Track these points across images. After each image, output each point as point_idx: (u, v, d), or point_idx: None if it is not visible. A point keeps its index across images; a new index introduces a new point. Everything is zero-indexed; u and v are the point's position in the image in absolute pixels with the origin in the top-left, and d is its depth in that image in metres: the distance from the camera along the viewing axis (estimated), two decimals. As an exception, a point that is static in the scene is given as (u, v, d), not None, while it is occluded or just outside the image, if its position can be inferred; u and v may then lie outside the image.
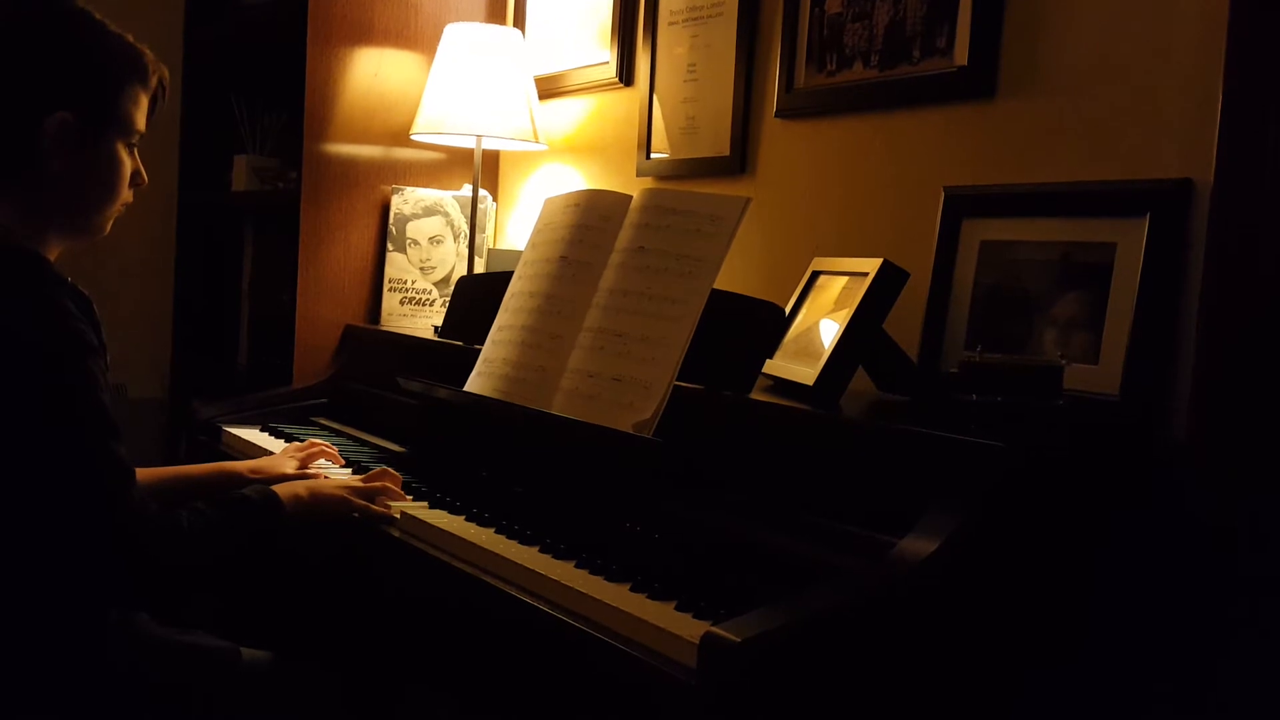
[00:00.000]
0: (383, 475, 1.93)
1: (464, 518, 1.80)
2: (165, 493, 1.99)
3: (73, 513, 1.48)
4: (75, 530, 1.48)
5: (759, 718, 1.18)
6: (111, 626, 1.61)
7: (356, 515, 1.84)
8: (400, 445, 2.37)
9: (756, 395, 1.77)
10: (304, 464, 2.15)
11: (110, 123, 1.63)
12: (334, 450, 2.23)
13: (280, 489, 1.75)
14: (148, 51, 1.68)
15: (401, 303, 3.02)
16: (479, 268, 2.94)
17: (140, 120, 1.67)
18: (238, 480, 2.06)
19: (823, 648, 1.23)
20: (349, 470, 2.18)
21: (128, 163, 1.67)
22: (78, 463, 1.48)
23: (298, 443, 2.26)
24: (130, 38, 1.66)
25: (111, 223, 1.70)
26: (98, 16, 1.64)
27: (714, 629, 1.20)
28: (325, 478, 2.11)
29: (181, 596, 1.66)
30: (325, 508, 1.81)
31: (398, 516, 1.84)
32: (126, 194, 1.69)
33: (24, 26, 1.60)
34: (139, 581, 1.52)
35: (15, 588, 1.51)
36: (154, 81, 1.68)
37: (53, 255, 1.62)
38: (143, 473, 1.59)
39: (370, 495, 1.87)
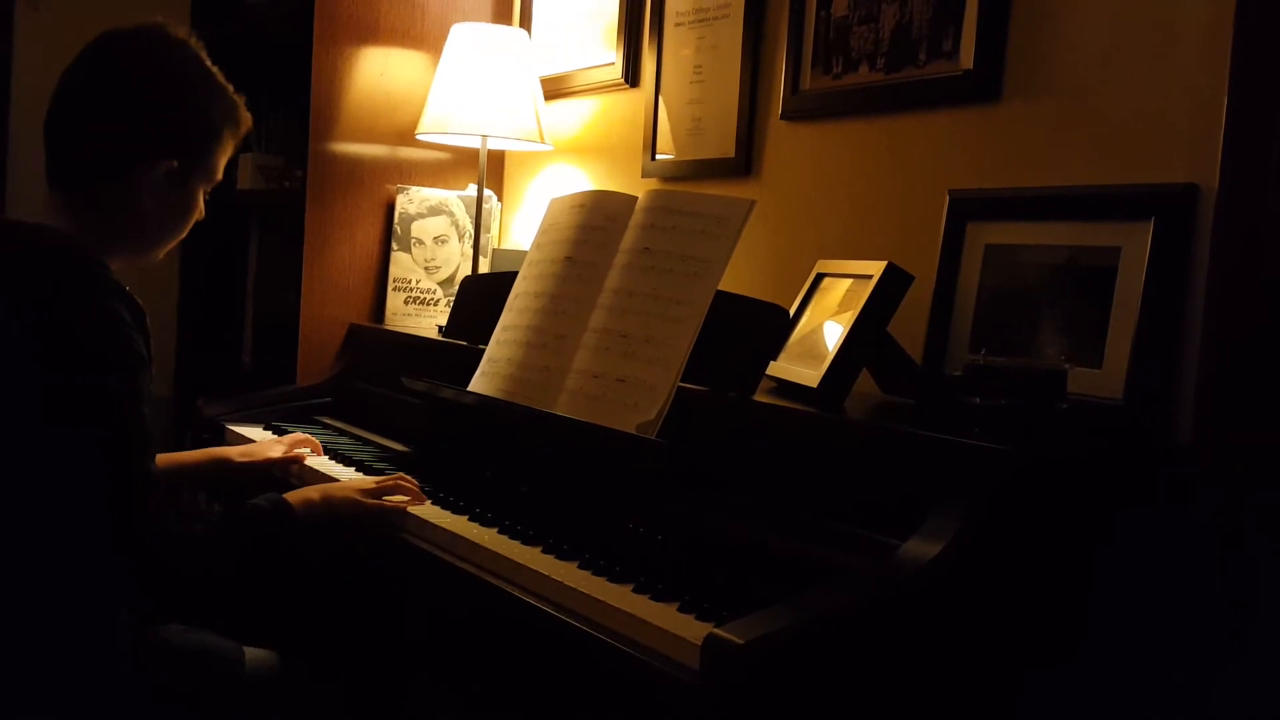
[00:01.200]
0: (397, 481, 1.92)
1: (467, 518, 1.80)
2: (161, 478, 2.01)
3: (97, 518, 1.49)
4: (97, 535, 1.49)
5: (761, 718, 1.18)
6: (122, 625, 1.61)
7: (367, 517, 1.84)
8: (404, 445, 2.37)
9: (760, 397, 1.78)
10: (289, 449, 2.23)
11: (202, 172, 1.71)
12: (316, 441, 2.30)
13: (291, 495, 1.76)
14: (241, 102, 1.74)
15: (406, 302, 3.03)
16: (484, 268, 2.95)
17: (222, 167, 1.75)
18: (229, 466, 2.14)
19: (826, 649, 1.23)
20: (328, 458, 2.25)
21: (201, 206, 1.74)
22: (110, 470, 1.49)
23: (287, 434, 2.35)
24: (231, 89, 1.73)
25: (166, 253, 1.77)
26: (212, 66, 1.71)
27: (717, 631, 1.20)
28: (306, 461, 2.20)
29: (193, 607, 1.67)
30: (338, 510, 1.81)
31: (409, 513, 1.83)
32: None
33: (158, 72, 1.66)
34: (152, 591, 1.53)
35: (33, 585, 1.52)
36: (242, 130, 1.76)
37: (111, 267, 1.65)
38: None
39: (380, 496, 1.87)
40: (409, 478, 1.93)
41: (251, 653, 1.77)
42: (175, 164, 1.64)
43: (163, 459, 2.03)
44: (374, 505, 1.84)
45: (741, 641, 1.17)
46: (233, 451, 2.20)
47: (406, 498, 1.88)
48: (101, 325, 1.51)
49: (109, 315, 1.52)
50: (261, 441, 2.28)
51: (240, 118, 1.74)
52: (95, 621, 1.58)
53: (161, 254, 1.76)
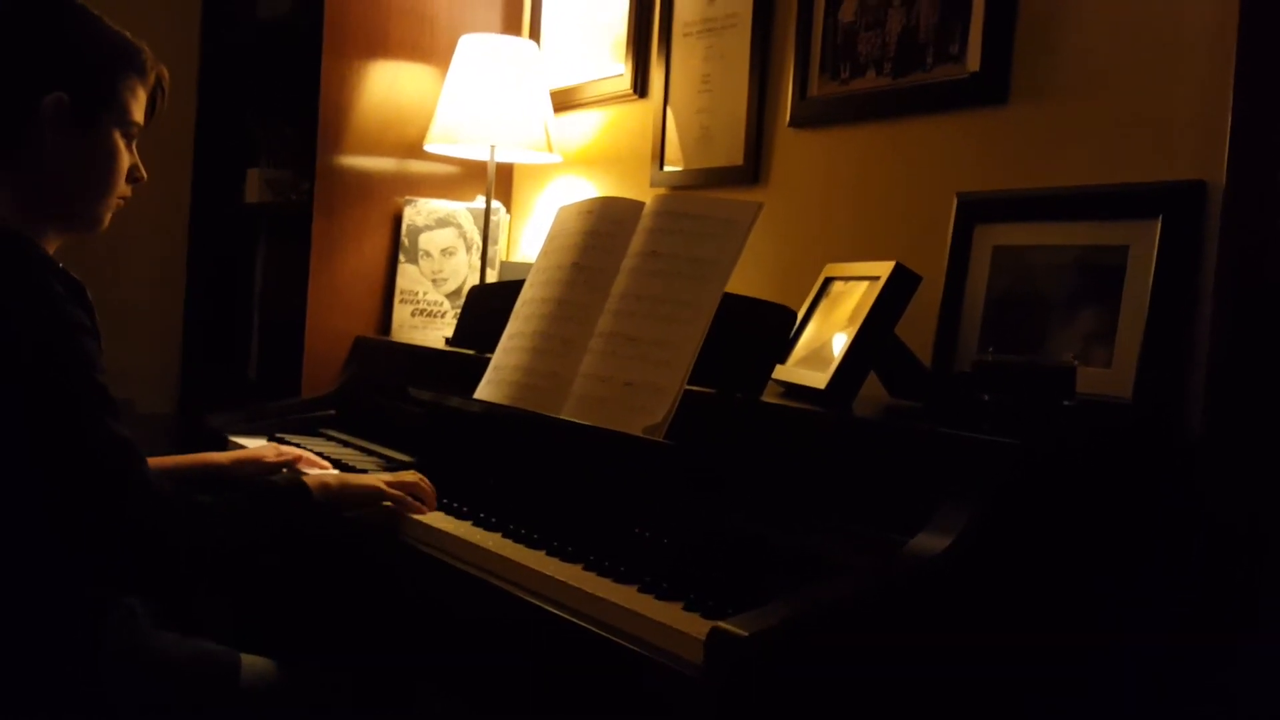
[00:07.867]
0: (418, 482, 1.90)
1: (471, 522, 1.79)
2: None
3: (78, 497, 1.46)
4: (81, 516, 1.46)
5: (766, 711, 1.16)
6: (111, 629, 1.58)
7: (390, 505, 1.83)
8: (408, 455, 2.35)
9: (768, 399, 1.76)
10: (281, 455, 2.17)
11: (106, 108, 1.63)
12: (313, 457, 2.25)
13: (309, 478, 1.75)
14: (146, 48, 1.69)
15: (412, 314, 3.02)
16: (491, 280, 2.94)
17: (138, 112, 1.67)
18: (221, 471, 2.08)
19: (831, 642, 1.21)
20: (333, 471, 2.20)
21: (125, 155, 1.67)
22: (79, 444, 1.46)
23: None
24: (128, 34, 1.68)
25: (109, 217, 1.70)
26: (94, 11, 1.66)
27: (721, 624, 1.19)
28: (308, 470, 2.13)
29: (200, 582, 1.64)
30: (356, 495, 1.80)
31: (429, 511, 1.83)
32: (124, 188, 1.69)
33: (19, 11, 1.60)
34: (155, 563, 1.50)
35: (19, 579, 1.49)
36: (152, 77, 1.69)
37: (51, 249, 1.62)
38: None
39: (403, 489, 1.85)
40: (424, 477, 1.90)
41: (248, 660, 1.74)
42: (66, 96, 1.57)
43: (153, 463, 2.02)
44: (396, 495, 1.82)
45: (746, 634, 1.15)
46: (222, 456, 2.16)
47: (423, 504, 1.86)
48: (31, 299, 1.48)
49: (40, 289, 1.48)
50: (253, 448, 2.24)
51: (144, 60, 1.67)
52: (85, 609, 1.55)
53: (100, 217, 1.68)
